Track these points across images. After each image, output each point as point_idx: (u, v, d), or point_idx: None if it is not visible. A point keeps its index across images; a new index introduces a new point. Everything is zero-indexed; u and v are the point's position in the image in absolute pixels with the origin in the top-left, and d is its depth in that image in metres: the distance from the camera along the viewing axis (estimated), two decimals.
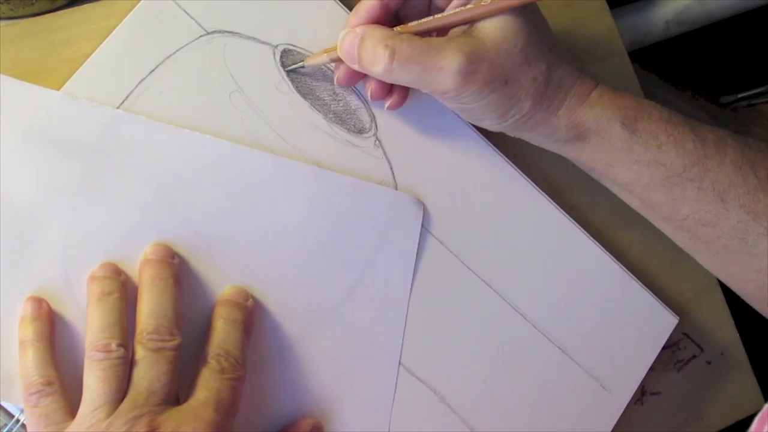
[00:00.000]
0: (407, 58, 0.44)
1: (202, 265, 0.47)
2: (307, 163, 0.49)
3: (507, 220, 0.53)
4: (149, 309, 0.44)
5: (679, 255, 0.59)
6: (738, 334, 0.61)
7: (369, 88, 0.49)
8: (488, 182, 0.52)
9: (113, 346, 0.43)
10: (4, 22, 0.48)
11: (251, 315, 0.47)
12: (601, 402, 0.54)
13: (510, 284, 0.53)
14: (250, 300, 0.47)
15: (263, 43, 0.49)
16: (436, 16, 0.46)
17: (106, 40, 0.46)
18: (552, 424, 0.54)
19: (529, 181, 0.53)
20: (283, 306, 0.48)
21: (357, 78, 0.48)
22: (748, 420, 0.49)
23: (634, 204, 0.50)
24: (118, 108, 0.46)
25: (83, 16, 0.47)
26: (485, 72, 0.44)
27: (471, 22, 0.45)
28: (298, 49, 0.49)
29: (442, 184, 0.52)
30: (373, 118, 0.50)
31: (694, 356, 0.60)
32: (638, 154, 0.47)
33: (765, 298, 0.48)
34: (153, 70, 0.47)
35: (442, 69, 0.44)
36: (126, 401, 0.42)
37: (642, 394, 0.58)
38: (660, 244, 0.58)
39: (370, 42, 0.45)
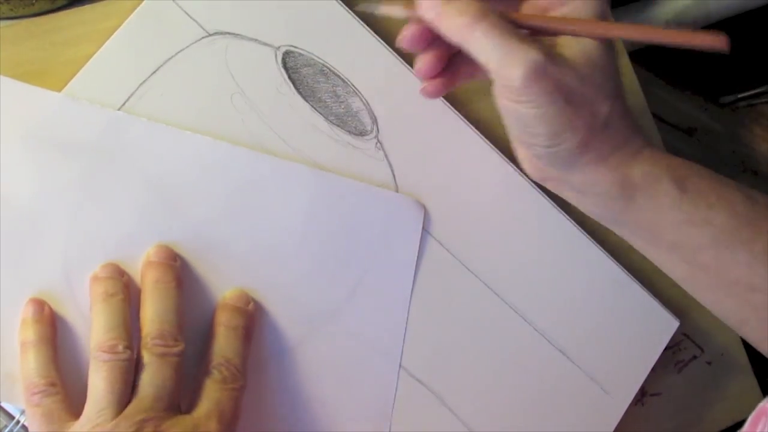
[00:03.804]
0: (494, 25, 0.43)
1: (202, 266, 0.47)
2: (308, 165, 0.49)
3: (508, 223, 0.53)
4: (153, 313, 0.44)
5: None
6: (738, 335, 0.61)
7: (422, 60, 0.47)
8: (490, 185, 0.52)
9: (120, 347, 0.43)
10: (4, 23, 0.48)
11: (252, 320, 0.47)
12: (602, 404, 0.54)
13: (511, 286, 0.53)
14: (251, 304, 0.47)
15: (265, 44, 0.49)
16: (542, 15, 0.45)
17: (107, 42, 0.46)
18: (552, 426, 0.54)
19: (531, 183, 0.53)
20: (283, 308, 0.48)
21: (422, 43, 0.46)
22: None
23: (678, 271, 0.48)
24: (119, 109, 0.46)
25: (84, 17, 0.47)
26: (555, 80, 0.43)
27: (569, 34, 0.44)
28: (300, 51, 0.49)
29: (444, 187, 0.52)
30: (374, 121, 0.50)
31: (695, 357, 0.60)
32: (687, 214, 0.45)
33: None
34: (154, 72, 0.47)
35: (517, 56, 0.42)
36: (132, 405, 0.42)
37: (642, 395, 0.58)
38: None
39: None
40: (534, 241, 0.53)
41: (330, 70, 0.49)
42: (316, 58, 0.50)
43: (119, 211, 0.46)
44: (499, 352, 0.52)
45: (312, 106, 0.49)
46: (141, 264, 0.46)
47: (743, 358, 0.61)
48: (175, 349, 0.44)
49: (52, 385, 0.43)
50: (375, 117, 0.50)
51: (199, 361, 0.45)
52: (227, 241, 0.47)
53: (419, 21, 0.45)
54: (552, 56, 0.43)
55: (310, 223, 0.49)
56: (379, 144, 0.50)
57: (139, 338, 0.44)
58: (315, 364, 0.49)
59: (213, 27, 0.48)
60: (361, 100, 0.50)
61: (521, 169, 0.52)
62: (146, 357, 0.43)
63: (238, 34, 0.48)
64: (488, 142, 0.52)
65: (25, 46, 0.47)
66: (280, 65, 0.49)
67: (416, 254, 0.51)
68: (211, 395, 0.44)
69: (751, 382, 0.61)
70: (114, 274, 0.45)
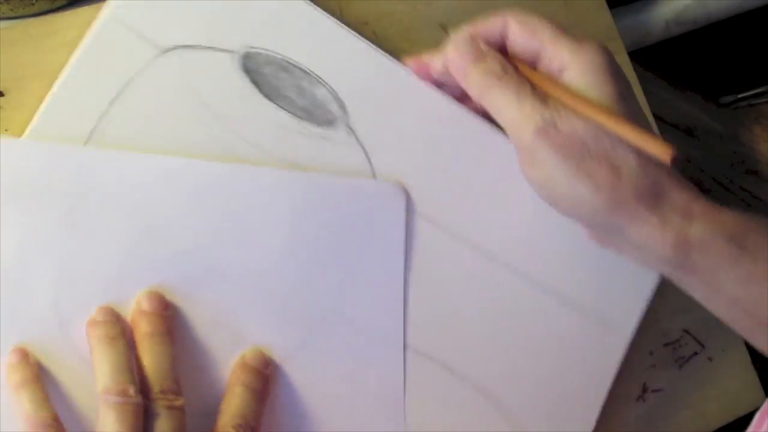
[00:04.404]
0: (511, 85, 0.44)
1: (198, 296, 0.47)
2: (283, 167, 0.48)
3: (493, 184, 0.52)
4: (153, 366, 0.44)
5: None
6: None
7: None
8: (470, 150, 0.52)
9: (131, 391, 0.42)
10: (4, 23, 0.48)
11: (269, 384, 0.47)
12: (606, 341, 0.54)
13: (503, 245, 0.52)
14: (270, 367, 0.47)
15: (223, 50, 0.48)
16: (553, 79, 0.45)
17: (60, 78, 0.46)
18: (562, 371, 0.53)
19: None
20: (279, 318, 0.48)
21: (434, 81, 0.50)
22: (750, 416, 0.49)
23: (739, 323, 0.46)
24: (86, 144, 0.45)
25: (83, 19, 0.47)
26: (566, 135, 0.43)
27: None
28: (259, 50, 0.48)
29: (423, 161, 0.51)
30: (342, 107, 0.50)
31: (696, 353, 0.60)
32: (747, 271, 0.43)
33: None
34: (114, 100, 0.46)
35: (529, 115, 0.43)
36: None
37: (644, 391, 0.58)
38: None
39: (490, 56, 0.46)
40: (522, 198, 0.51)
41: (291, 64, 0.49)
42: (275, 55, 0.49)
43: (105, 249, 0.45)
44: (499, 311, 0.52)
45: (278, 105, 0.49)
46: (132, 309, 0.45)
47: (744, 354, 0.61)
48: (177, 403, 0.43)
49: (55, 419, 0.42)
50: (342, 103, 0.50)
51: (214, 417, 0.45)
52: (218, 265, 0.47)
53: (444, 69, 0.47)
54: (565, 114, 0.43)
55: (294, 229, 0.48)
56: (350, 130, 0.50)
57: (143, 385, 0.44)
58: (319, 368, 0.49)
59: (166, 43, 0.47)
60: (326, 89, 0.49)
61: (499, 128, 0.50)
62: (154, 408, 0.43)
63: (192, 46, 0.48)
64: (462, 106, 0.51)
65: (24, 47, 0.47)
66: (241, 69, 0.48)
67: (403, 238, 0.50)
68: None
69: (752, 378, 0.61)
70: (112, 317, 0.45)
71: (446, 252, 0.51)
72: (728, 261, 0.44)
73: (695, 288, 0.46)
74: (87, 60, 0.46)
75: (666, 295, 0.57)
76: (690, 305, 0.58)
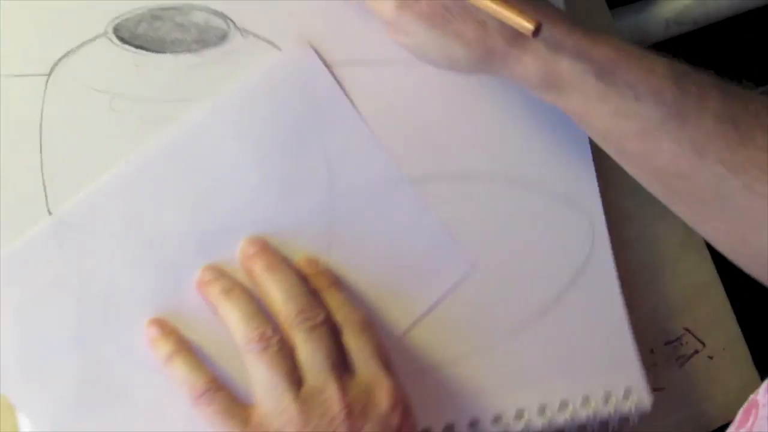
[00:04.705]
0: None
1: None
2: (224, 99, 0.48)
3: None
4: (281, 294, 0.45)
5: (680, 251, 0.60)
6: (739, 329, 0.61)
7: None
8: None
9: (269, 332, 0.44)
10: None
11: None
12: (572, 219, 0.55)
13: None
14: (320, 264, 0.48)
15: (94, 39, 0.47)
16: None
17: None
18: (541, 257, 0.54)
19: None
20: (293, 227, 0.48)
21: None
22: None
23: (609, 152, 0.49)
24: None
25: None
26: (425, 4, 0.45)
27: None
28: (125, 16, 0.48)
29: (322, 26, 0.51)
30: (224, 17, 0.49)
31: (696, 352, 0.60)
32: (615, 105, 0.45)
33: (736, 248, 0.48)
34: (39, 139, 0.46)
35: None
36: (307, 386, 0.43)
37: None
38: (662, 241, 0.58)
39: None
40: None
41: (159, 9, 0.48)
42: (141, 11, 0.48)
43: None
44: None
45: (173, 53, 0.48)
46: (239, 260, 0.46)
47: (745, 352, 0.61)
48: (319, 319, 0.45)
49: (213, 380, 0.44)
50: (222, 14, 0.49)
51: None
52: (228, 221, 0.47)
53: None
54: None
55: (257, 149, 0.48)
56: (244, 32, 0.49)
57: (277, 321, 0.45)
58: (357, 251, 0.49)
59: (44, 70, 0.46)
60: (201, 11, 0.49)
61: None
62: (298, 336, 0.44)
63: (67, 53, 0.47)
64: None
65: None
66: (120, 44, 0.48)
67: (340, 92, 0.50)
68: (362, 351, 0.45)
69: (753, 376, 0.61)
70: (220, 273, 0.46)
71: (383, 81, 0.51)
72: (596, 96, 0.46)
73: (573, 118, 0.48)
74: None
75: (666, 294, 0.57)
76: (691, 304, 0.59)
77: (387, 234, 0.50)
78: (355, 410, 0.43)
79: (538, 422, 0.52)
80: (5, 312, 0.44)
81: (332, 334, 0.45)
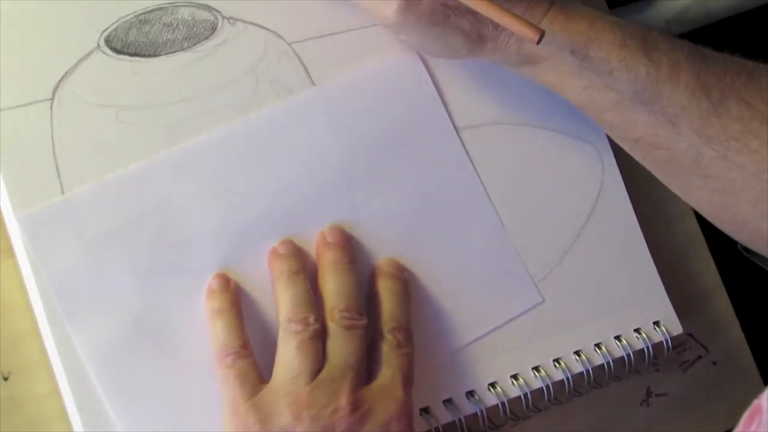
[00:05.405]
0: None
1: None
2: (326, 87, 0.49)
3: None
4: (336, 289, 0.47)
5: (683, 256, 0.59)
6: (743, 335, 0.61)
7: None
8: None
9: (311, 320, 0.45)
10: None
11: (408, 286, 0.50)
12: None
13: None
14: (405, 272, 0.50)
15: (89, 55, 0.47)
16: None
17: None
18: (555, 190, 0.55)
19: None
20: (385, 232, 0.50)
21: None
22: None
23: (592, 119, 0.51)
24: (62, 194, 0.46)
25: None
26: (426, 4, 0.46)
27: None
28: (113, 25, 0.48)
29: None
30: (210, 9, 0.49)
31: (700, 357, 0.60)
32: (589, 80, 0.48)
33: (720, 216, 0.50)
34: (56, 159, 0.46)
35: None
36: (324, 374, 0.45)
37: (648, 395, 0.58)
38: (666, 246, 0.58)
39: None
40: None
41: (145, 13, 0.48)
42: (127, 17, 0.48)
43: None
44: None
45: (167, 54, 0.48)
46: (316, 241, 0.48)
47: (748, 357, 0.61)
48: (361, 323, 0.46)
49: (244, 347, 0.46)
50: (207, 6, 0.49)
51: (370, 326, 0.47)
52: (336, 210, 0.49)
53: None
54: None
55: (350, 146, 0.50)
56: (231, 20, 0.50)
57: (322, 311, 0.46)
58: (437, 262, 0.51)
59: (44, 95, 0.46)
60: (185, 7, 0.49)
61: None
62: (333, 328, 0.46)
63: (66, 72, 0.47)
64: None
65: None
66: (115, 54, 0.48)
67: (445, 110, 0.52)
68: (391, 361, 0.47)
69: (756, 381, 0.61)
70: (294, 252, 0.48)
71: None
72: (570, 72, 0.48)
73: (552, 90, 0.50)
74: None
75: (670, 299, 0.56)
76: (694, 309, 0.59)
77: (464, 251, 0.52)
78: (360, 409, 0.44)
79: (576, 367, 0.53)
80: (88, 240, 0.45)
81: (368, 340, 0.47)
